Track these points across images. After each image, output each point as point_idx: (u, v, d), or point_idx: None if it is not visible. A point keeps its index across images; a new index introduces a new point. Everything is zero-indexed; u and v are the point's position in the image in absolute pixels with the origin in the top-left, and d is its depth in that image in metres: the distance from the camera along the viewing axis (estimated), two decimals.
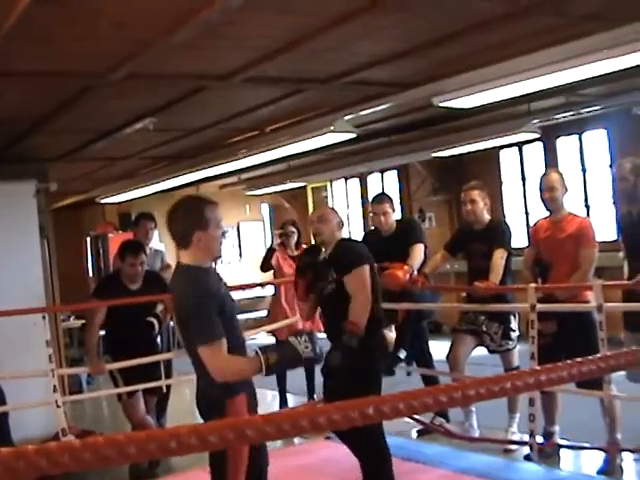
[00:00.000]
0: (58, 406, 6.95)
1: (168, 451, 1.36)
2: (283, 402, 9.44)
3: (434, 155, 12.54)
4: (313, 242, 5.88)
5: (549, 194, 6.64)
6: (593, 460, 6.47)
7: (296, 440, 7.90)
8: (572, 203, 6.85)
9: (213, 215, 4.15)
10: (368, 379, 5.37)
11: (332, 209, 5.79)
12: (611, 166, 11.81)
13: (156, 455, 1.36)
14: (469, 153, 12.32)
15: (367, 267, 5.40)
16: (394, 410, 1.51)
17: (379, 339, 5.59)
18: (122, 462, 1.35)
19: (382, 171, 16.40)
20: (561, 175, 6.78)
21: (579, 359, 1.92)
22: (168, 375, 7.61)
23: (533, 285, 6.48)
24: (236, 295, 4.26)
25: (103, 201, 15.57)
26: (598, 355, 1.98)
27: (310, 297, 5.68)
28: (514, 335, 7.17)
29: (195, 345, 3.97)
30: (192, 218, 4.12)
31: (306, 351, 3.99)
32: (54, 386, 6.97)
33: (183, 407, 9.85)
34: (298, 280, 5.75)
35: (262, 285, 11.74)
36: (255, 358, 3.95)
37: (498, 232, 7.15)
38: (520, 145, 13.36)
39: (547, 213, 6.81)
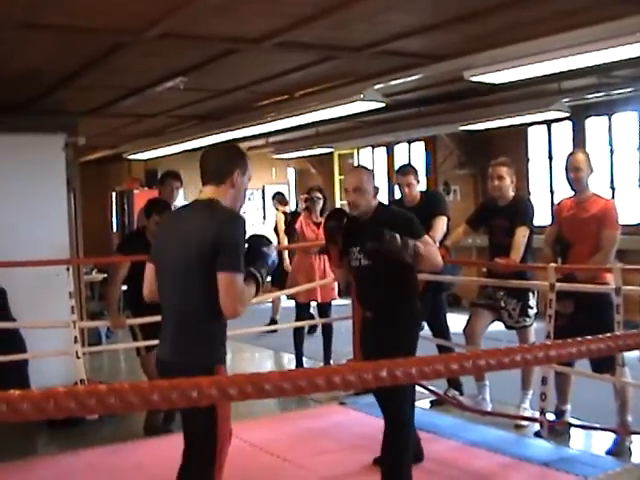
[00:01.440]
0: (78, 357, 7.06)
1: (190, 400, 1.41)
2: (299, 366, 9.51)
3: (462, 128, 12.54)
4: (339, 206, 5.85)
5: (574, 174, 6.64)
6: (602, 440, 6.51)
7: (310, 404, 7.98)
8: (598, 184, 6.84)
9: (249, 165, 4.18)
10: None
11: (368, 175, 5.51)
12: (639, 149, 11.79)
13: (178, 404, 1.41)
14: (497, 128, 12.31)
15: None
16: (406, 374, 1.56)
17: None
18: (145, 408, 1.41)
19: (409, 142, 16.39)
20: (587, 156, 6.78)
21: (590, 337, 1.97)
22: None
23: (553, 265, 6.50)
24: None
25: (130, 157, 15.66)
26: (608, 334, 2.02)
27: (344, 262, 5.53)
28: (532, 312, 7.20)
29: (212, 274, 3.82)
30: (236, 156, 4.14)
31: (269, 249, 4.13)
32: (75, 337, 7.07)
33: None
34: (330, 246, 5.71)
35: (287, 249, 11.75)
36: (251, 279, 3.96)
37: (521, 209, 7.16)
38: (549, 123, 13.31)
39: (572, 192, 6.81)
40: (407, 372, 1.55)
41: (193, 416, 3.99)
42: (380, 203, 5.49)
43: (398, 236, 4.97)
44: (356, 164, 17.83)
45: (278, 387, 1.42)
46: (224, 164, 4.09)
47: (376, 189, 5.44)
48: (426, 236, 5.36)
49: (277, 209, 13.80)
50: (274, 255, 4.20)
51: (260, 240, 4.21)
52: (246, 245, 4.02)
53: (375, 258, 5.21)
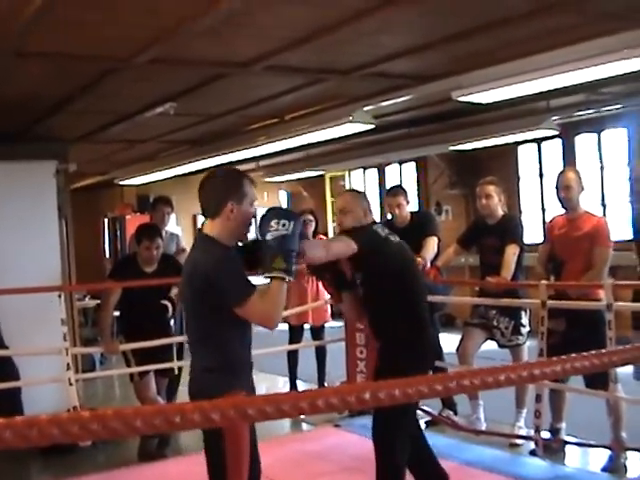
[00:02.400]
0: (70, 384, 7.05)
1: (173, 425, 1.41)
2: (293, 388, 9.49)
3: (452, 148, 12.56)
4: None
5: (565, 193, 6.67)
6: (598, 458, 6.51)
7: (304, 427, 7.97)
8: (589, 201, 6.87)
9: (251, 191, 4.02)
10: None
11: (355, 196, 5.35)
12: (629, 165, 11.82)
13: (161, 429, 1.41)
14: (487, 148, 12.33)
15: None
16: (390, 397, 1.56)
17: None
18: (129, 435, 1.41)
19: (400, 162, 16.44)
20: (578, 174, 6.81)
21: (584, 353, 1.97)
22: (180, 357, 7.68)
23: (544, 282, 6.52)
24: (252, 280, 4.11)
25: (122, 183, 15.64)
26: (601, 351, 2.03)
27: (344, 293, 5.17)
28: (524, 330, 7.21)
29: (228, 307, 3.81)
30: (229, 186, 3.99)
31: (281, 229, 3.87)
32: (67, 364, 7.07)
33: None
34: (322, 282, 5.62)
35: None
36: (275, 280, 3.85)
37: (511, 227, 7.19)
38: (539, 141, 13.37)
39: (563, 210, 6.84)
40: (390, 394, 1.56)
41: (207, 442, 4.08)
42: (373, 223, 5.26)
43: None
44: (347, 187, 17.87)
45: (261, 410, 1.43)
46: (216, 196, 3.98)
47: (366, 209, 5.23)
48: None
49: None
50: (287, 229, 3.89)
51: (264, 228, 3.92)
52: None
53: (365, 283, 5.05)
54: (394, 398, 1.56)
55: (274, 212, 3.98)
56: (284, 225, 3.86)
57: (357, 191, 5.85)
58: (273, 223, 3.86)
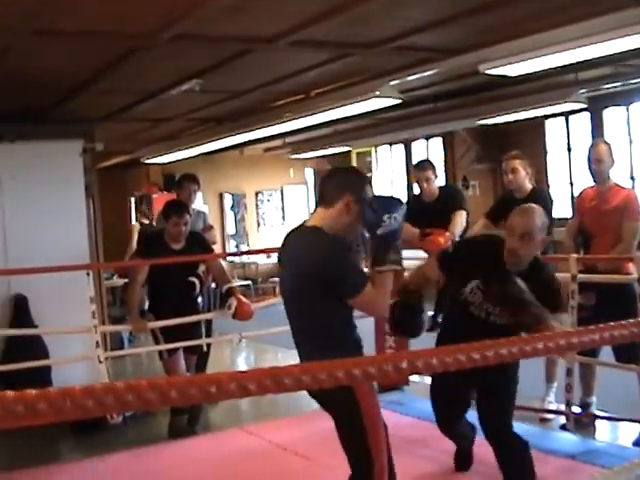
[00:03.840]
0: (100, 362, 7.06)
1: (208, 395, 1.39)
2: None
3: (479, 123, 12.50)
4: None
5: (596, 166, 6.61)
6: (629, 432, 6.48)
7: None
8: (618, 174, 6.81)
9: (369, 193, 3.99)
10: None
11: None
12: None
13: (196, 400, 1.40)
14: (515, 122, 12.27)
15: None
16: (428, 365, 1.54)
17: None
18: (163, 405, 1.39)
19: (427, 138, 16.38)
20: (609, 146, 6.74)
21: (612, 323, 1.94)
22: (208, 335, 7.69)
23: (575, 255, 6.47)
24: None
25: (148, 162, 15.68)
26: (631, 320, 2.00)
27: None
28: None
29: (343, 298, 3.84)
30: (352, 181, 3.99)
31: (393, 223, 3.82)
32: (96, 342, 7.08)
33: (222, 366, 9.98)
34: None
35: None
36: (384, 273, 3.88)
37: (539, 201, 7.09)
38: (566, 115, 13.28)
39: (593, 183, 6.78)
40: (429, 363, 1.54)
41: (331, 402, 4.01)
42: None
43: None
44: (374, 162, 17.80)
45: (297, 380, 1.41)
46: (336, 186, 3.97)
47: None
48: None
49: None
50: (397, 221, 3.87)
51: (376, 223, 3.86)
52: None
53: None
54: (432, 367, 1.54)
55: (385, 205, 3.90)
56: (395, 219, 3.83)
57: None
58: (385, 218, 3.81)
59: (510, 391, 4.97)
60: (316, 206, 4.08)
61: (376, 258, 3.90)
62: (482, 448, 6.06)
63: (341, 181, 4.00)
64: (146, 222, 13.94)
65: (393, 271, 3.89)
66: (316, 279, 3.80)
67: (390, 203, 3.94)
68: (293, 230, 4.22)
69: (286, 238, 4.25)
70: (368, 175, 4.18)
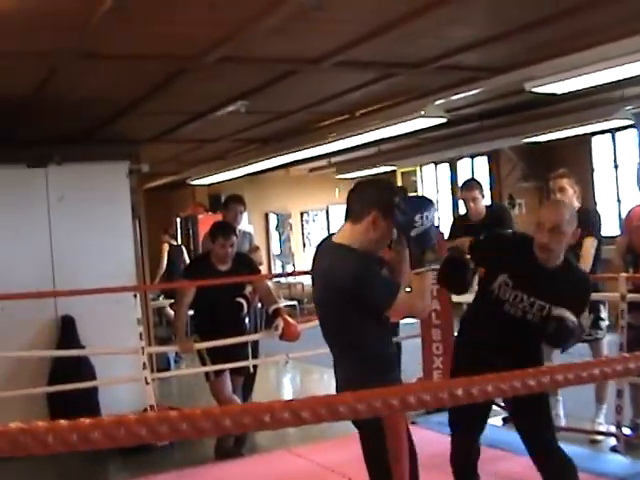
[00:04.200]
0: (147, 383, 7.08)
1: (262, 424, 1.38)
2: None
3: (525, 141, 12.44)
4: None
5: None
6: None
7: None
8: None
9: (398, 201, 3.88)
10: None
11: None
12: None
13: (250, 429, 1.39)
14: (560, 139, 12.19)
15: None
16: (482, 392, 1.52)
17: None
18: (216, 434, 1.39)
19: (472, 156, 16.30)
20: None
21: None
22: (255, 356, 7.69)
23: (624, 275, 6.40)
24: None
25: (193, 182, 15.78)
26: None
27: None
28: (604, 325, 7.09)
29: (375, 312, 3.86)
30: (380, 196, 3.92)
31: (425, 222, 3.79)
32: (144, 363, 7.10)
33: (269, 388, 9.98)
34: None
35: None
36: (423, 274, 3.85)
37: (588, 220, 7.06)
38: (613, 132, 13.15)
39: None
40: (483, 390, 1.51)
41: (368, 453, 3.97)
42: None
43: None
44: (419, 182, 17.77)
45: (352, 409, 1.40)
46: (364, 201, 3.92)
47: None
48: None
49: None
50: (430, 220, 3.84)
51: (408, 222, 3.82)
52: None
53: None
54: (487, 393, 1.52)
55: (415, 206, 3.86)
56: (427, 217, 3.80)
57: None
58: (417, 218, 3.77)
59: (544, 401, 4.80)
60: (345, 221, 4.02)
61: (413, 260, 3.86)
62: (534, 471, 6.01)
63: (368, 197, 3.94)
64: (174, 243, 14.03)
65: (432, 271, 3.88)
66: (345, 295, 3.79)
67: (420, 203, 3.91)
68: (322, 243, 4.21)
69: (316, 253, 4.23)
70: (396, 185, 4.14)
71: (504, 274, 4.59)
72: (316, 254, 4.21)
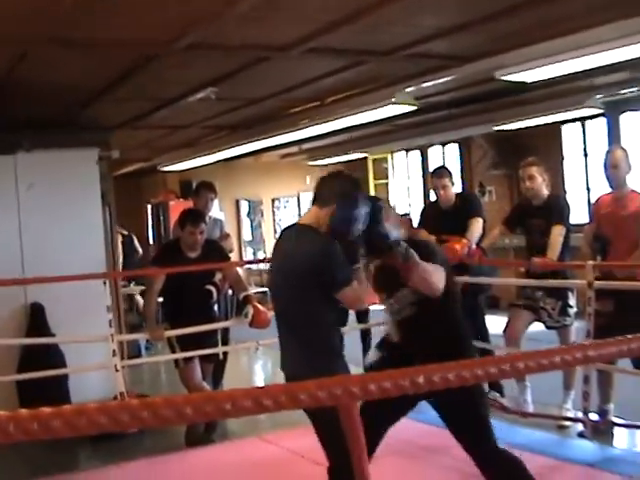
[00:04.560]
0: (117, 370, 7.07)
1: (224, 413, 1.39)
2: None
3: (496, 129, 12.48)
4: None
5: (613, 171, 6.58)
6: None
7: None
8: (635, 180, 6.78)
9: (363, 210, 4.18)
10: None
11: None
12: None
13: (212, 417, 1.39)
14: (531, 127, 12.23)
15: None
16: (444, 380, 1.53)
17: None
18: (179, 422, 1.39)
19: (443, 144, 16.33)
20: (626, 152, 6.71)
21: (630, 336, 1.94)
22: (225, 343, 7.70)
23: (591, 262, 6.44)
24: None
25: (164, 169, 15.71)
26: None
27: None
28: (572, 312, 7.14)
29: (332, 291, 4.04)
30: (346, 187, 4.19)
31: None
32: (113, 350, 7.09)
33: (239, 375, 9.98)
34: None
35: None
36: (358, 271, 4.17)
37: (557, 208, 7.11)
38: (583, 120, 13.21)
39: (610, 189, 6.76)
40: (445, 377, 1.53)
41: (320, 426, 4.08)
42: None
43: None
44: (390, 169, 17.83)
45: (313, 396, 1.41)
46: (336, 187, 4.17)
47: None
48: None
49: None
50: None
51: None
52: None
53: None
54: (449, 381, 1.53)
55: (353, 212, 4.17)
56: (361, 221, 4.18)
57: None
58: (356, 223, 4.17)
59: (478, 410, 4.63)
60: (311, 204, 4.25)
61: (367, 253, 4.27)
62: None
63: (342, 184, 4.20)
64: (125, 233, 13.98)
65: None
66: (306, 273, 3.97)
67: (353, 204, 4.16)
68: (285, 230, 4.45)
69: (279, 239, 4.48)
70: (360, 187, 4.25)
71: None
72: (279, 240, 4.45)
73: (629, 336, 1.94)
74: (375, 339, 9.07)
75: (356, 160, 17.43)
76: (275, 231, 19.23)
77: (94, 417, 1.29)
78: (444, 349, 4.44)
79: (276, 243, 4.48)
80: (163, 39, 6.18)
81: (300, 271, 4.00)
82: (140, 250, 14.55)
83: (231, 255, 8.61)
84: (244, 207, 18.93)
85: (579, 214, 11.76)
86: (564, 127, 13.75)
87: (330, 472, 4.29)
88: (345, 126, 10.63)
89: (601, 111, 11.05)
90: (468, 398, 4.41)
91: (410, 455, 6.09)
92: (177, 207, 14.92)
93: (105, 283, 7.32)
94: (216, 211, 10.71)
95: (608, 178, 6.66)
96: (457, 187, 8.34)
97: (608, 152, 6.80)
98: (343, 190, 4.16)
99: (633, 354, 1.98)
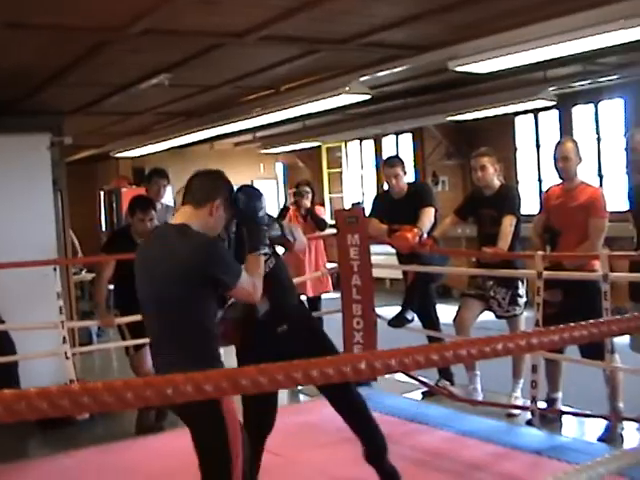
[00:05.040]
0: (67, 357, 7.04)
1: (164, 398, 1.39)
2: None
3: (449, 119, 12.55)
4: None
5: (563, 163, 6.64)
6: (594, 428, 6.52)
7: (301, 398, 7.98)
8: (585, 172, 6.85)
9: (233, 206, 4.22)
10: None
11: None
12: (625, 136, 11.79)
13: (153, 402, 1.40)
14: (484, 118, 12.30)
15: None
16: (386, 366, 1.55)
17: None
18: (119, 408, 1.39)
19: (397, 133, 16.39)
20: (576, 144, 6.77)
21: (582, 323, 1.96)
22: None
23: (541, 252, 6.50)
24: None
25: (117, 155, 15.61)
26: (592, 321, 2.02)
27: None
28: (521, 301, 7.21)
29: (224, 289, 3.99)
30: (224, 186, 4.16)
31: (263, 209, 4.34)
32: (64, 338, 7.05)
33: None
34: None
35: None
36: (252, 257, 4.19)
37: (508, 198, 7.16)
38: (536, 112, 13.32)
39: (560, 180, 6.81)
40: (386, 363, 1.54)
41: (193, 415, 3.91)
42: None
43: None
44: (344, 158, 17.86)
45: (255, 381, 1.41)
46: (210, 187, 4.09)
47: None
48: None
49: None
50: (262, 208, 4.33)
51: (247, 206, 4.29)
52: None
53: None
54: (391, 367, 1.55)
55: (254, 196, 4.39)
56: (263, 206, 4.34)
57: None
58: (258, 207, 4.33)
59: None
60: (182, 204, 4.13)
61: (253, 244, 4.23)
62: (452, 444, 6.11)
63: (212, 185, 4.13)
64: None
65: (264, 255, 4.27)
66: (192, 271, 3.81)
67: (256, 194, 4.40)
68: (155, 230, 4.39)
69: (148, 241, 4.34)
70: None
71: None
72: (148, 242, 4.29)
73: (572, 324, 1.96)
74: (327, 328, 9.13)
75: (310, 149, 17.45)
76: None
77: (34, 402, 1.29)
78: None
79: (145, 245, 4.31)
80: (117, 24, 6.14)
81: (183, 270, 3.82)
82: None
83: None
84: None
85: (531, 205, 11.86)
86: (517, 118, 13.87)
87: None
88: (299, 114, 10.63)
89: (554, 103, 11.13)
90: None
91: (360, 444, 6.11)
92: (129, 194, 14.80)
93: (55, 269, 7.28)
94: (169, 198, 10.65)
95: (558, 170, 6.72)
96: (410, 177, 8.36)
97: (558, 144, 6.86)
98: (225, 185, 4.17)
99: (576, 341, 2.02)
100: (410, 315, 7.67)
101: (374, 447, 5.08)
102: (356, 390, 5.14)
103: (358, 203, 8.60)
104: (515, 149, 14.14)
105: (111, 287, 7.69)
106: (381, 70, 8.13)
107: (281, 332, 4.97)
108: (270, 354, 4.94)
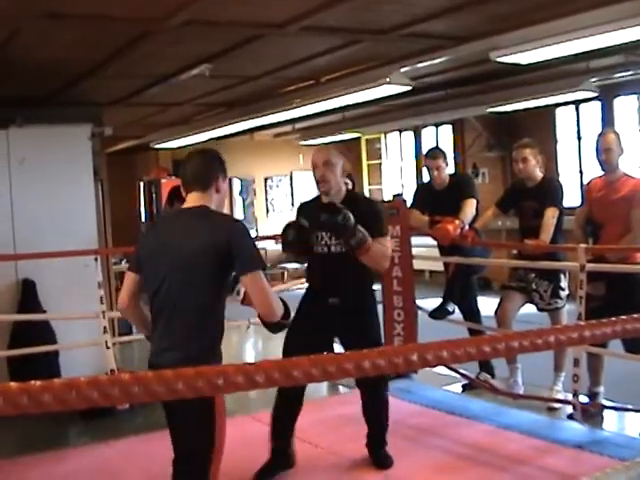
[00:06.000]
0: (107, 347, 7.07)
1: (215, 388, 1.38)
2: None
3: (490, 110, 12.47)
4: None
5: (605, 155, 6.57)
6: (636, 422, 6.46)
7: (341, 390, 7.96)
8: (628, 164, 6.76)
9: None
10: None
11: (335, 151, 5.61)
12: None
13: (204, 392, 1.39)
14: (525, 110, 12.23)
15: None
16: (437, 358, 1.53)
17: None
18: (170, 397, 1.38)
19: (437, 125, 16.33)
20: (618, 136, 6.70)
21: (624, 317, 1.93)
22: None
23: (583, 245, 6.44)
24: None
25: (157, 146, 15.67)
26: None
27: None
28: (563, 294, 7.15)
29: (238, 270, 3.89)
30: (217, 163, 4.16)
31: None
32: (104, 327, 7.08)
33: (231, 353, 9.98)
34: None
35: None
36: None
37: (550, 190, 7.10)
38: (577, 103, 13.21)
39: (602, 172, 6.75)
40: (438, 355, 1.52)
41: (186, 411, 3.91)
42: (350, 191, 5.58)
43: (352, 219, 4.99)
44: (383, 149, 17.82)
45: (307, 373, 1.40)
46: (208, 169, 4.11)
47: (349, 177, 5.64)
48: (384, 238, 5.29)
49: None
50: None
51: None
52: None
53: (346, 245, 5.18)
54: (442, 359, 1.53)
55: None
56: None
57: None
58: None
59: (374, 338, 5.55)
60: (188, 192, 4.11)
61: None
62: (493, 437, 6.07)
63: (210, 165, 4.14)
64: None
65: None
66: (220, 256, 3.80)
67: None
68: (167, 215, 4.34)
69: (160, 225, 4.45)
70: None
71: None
72: (159, 226, 4.39)
73: (623, 317, 1.93)
74: None
75: (349, 140, 17.41)
76: (268, 210, 19.22)
77: (84, 391, 1.28)
78: None
79: (157, 230, 4.31)
80: (158, 15, 6.15)
81: (204, 251, 3.81)
82: None
83: None
84: (237, 186, 18.90)
85: (572, 197, 11.77)
86: (558, 110, 13.75)
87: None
88: (339, 105, 10.61)
89: (595, 94, 11.03)
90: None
91: (402, 436, 6.09)
92: (169, 185, 14.87)
93: (96, 259, 7.31)
94: None
95: (600, 161, 6.65)
96: (450, 168, 8.31)
97: (600, 135, 6.78)
98: (218, 158, 4.18)
99: (627, 335, 1.98)
100: (451, 307, 7.64)
101: (381, 434, 5.63)
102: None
103: (399, 195, 8.53)
104: (556, 141, 14.02)
105: None
106: (422, 61, 8.10)
107: (332, 304, 5.31)
108: (319, 323, 5.32)
